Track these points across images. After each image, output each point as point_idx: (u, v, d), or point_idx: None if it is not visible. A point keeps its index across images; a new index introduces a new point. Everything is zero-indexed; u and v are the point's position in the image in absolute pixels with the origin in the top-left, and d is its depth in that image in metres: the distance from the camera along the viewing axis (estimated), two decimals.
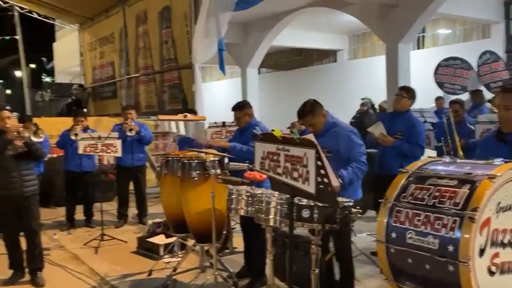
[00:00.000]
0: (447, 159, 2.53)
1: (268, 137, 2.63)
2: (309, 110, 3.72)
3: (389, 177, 4.63)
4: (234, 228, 5.74)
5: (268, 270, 3.48)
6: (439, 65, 8.63)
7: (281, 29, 11.62)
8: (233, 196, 3.52)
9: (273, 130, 2.53)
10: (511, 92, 2.87)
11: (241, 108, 4.67)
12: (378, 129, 4.84)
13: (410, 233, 2.25)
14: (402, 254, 2.28)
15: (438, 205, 2.19)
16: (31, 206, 4.65)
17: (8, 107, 4.74)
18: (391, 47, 8.94)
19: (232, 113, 4.69)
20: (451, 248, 2.09)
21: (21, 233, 4.75)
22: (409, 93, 5.00)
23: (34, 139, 4.55)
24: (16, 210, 4.57)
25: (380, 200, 2.45)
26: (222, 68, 7.92)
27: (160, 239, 5.49)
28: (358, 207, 3.03)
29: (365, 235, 5.94)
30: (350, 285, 3.64)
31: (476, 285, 2.07)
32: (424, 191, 2.29)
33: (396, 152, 4.77)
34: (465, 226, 2.06)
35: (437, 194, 2.23)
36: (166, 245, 5.28)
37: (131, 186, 7.19)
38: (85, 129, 6.73)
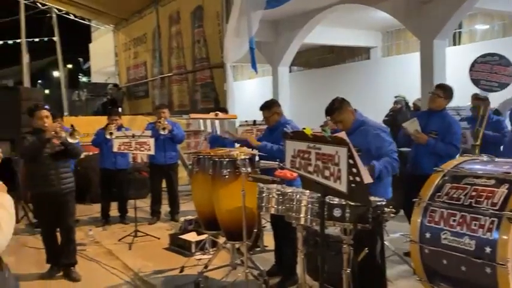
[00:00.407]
0: (484, 158, 2.46)
1: (299, 135, 2.61)
2: (337, 107, 3.73)
3: (422, 177, 4.54)
4: (265, 226, 5.74)
5: (300, 269, 3.46)
6: (475, 62, 8.34)
7: (313, 27, 11.51)
8: (263, 194, 3.52)
9: (304, 128, 2.51)
10: None
11: (269, 107, 4.66)
12: (413, 126, 4.74)
13: (445, 233, 2.20)
14: (437, 254, 2.23)
15: (475, 205, 2.13)
16: (68, 202, 4.79)
17: (46, 106, 4.89)
18: (425, 43, 8.71)
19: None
20: (488, 249, 2.03)
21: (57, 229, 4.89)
22: (445, 92, 4.87)
23: (70, 140, 4.67)
24: (54, 207, 4.70)
25: (414, 200, 2.40)
26: (254, 66, 7.93)
27: (192, 236, 5.54)
28: (391, 207, 2.97)
29: (398, 235, 5.84)
30: (382, 286, 3.57)
31: None
32: (460, 190, 2.23)
33: (430, 151, 4.66)
34: (503, 227, 2.00)
35: (473, 193, 2.17)
36: (197, 242, 5.33)
37: (164, 184, 7.30)
38: (119, 128, 6.87)
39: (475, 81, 8.26)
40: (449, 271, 2.22)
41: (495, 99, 8.67)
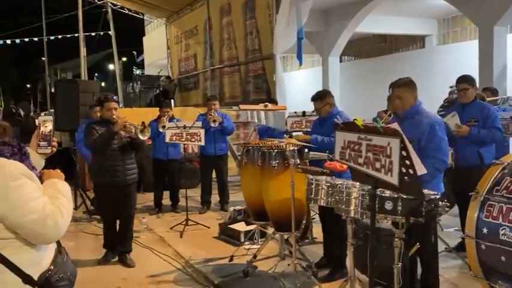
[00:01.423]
0: None
1: (349, 126, 2.56)
2: (405, 83, 3.68)
3: (468, 168, 4.41)
4: (314, 218, 5.71)
5: (349, 262, 3.42)
6: None
7: (364, 16, 11.24)
8: (312, 186, 3.49)
9: (355, 119, 2.45)
10: None
11: (322, 97, 4.58)
12: (453, 120, 4.62)
13: (504, 229, 2.10)
14: (494, 251, 2.14)
15: None
16: (131, 193, 4.99)
17: (115, 98, 5.08)
18: (485, 30, 8.31)
19: (312, 103, 4.64)
20: None
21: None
22: (471, 82, 4.82)
23: (141, 137, 4.86)
24: (117, 197, 4.88)
25: (470, 194, 2.30)
26: (299, 57, 7.86)
27: (241, 226, 5.61)
28: (445, 201, 2.87)
29: (453, 230, 5.64)
30: (434, 282, 3.47)
31: None
32: None
33: (474, 140, 4.57)
34: None
35: None
36: (246, 232, 5.38)
37: (214, 175, 7.42)
38: (171, 119, 7.03)
39: None
40: (508, 268, 2.12)
41: None
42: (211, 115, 6.85)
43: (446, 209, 2.87)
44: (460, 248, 4.75)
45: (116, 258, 5.05)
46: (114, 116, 4.77)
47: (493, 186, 2.23)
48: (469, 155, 4.53)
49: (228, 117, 7.35)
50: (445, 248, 4.72)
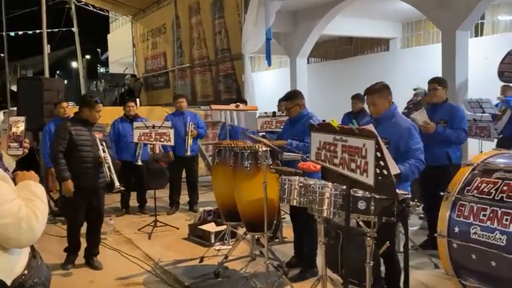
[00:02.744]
0: None
1: (325, 127, 2.58)
2: (378, 89, 3.69)
3: (436, 168, 4.55)
4: (284, 218, 5.74)
5: (321, 261, 3.45)
6: (507, 54, 8.18)
7: (332, 18, 11.39)
8: (285, 186, 3.51)
9: (331, 120, 2.48)
10: None
11: (292, 97, 4.59)
12: (421, 116, 4.77)
13: (475, 228, 2.16)
14: (466, 249, 2.20)
15: (506, 200, 2.09)
16: (101, 195, 4.89)
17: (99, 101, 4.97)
18: (448, 34, 8.56)
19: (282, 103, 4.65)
20: None
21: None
22: (441, 83, 5.00)
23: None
24: (88, 199, 4.76)
25: (442, 194, 2.36)
26: (268, 58, 7.88)
27: (211, 227, 5.57)
28: (416, 200, 2.93)
29: (417, 228, 5.80)
30: (405, 280, 3.54)
31: None
32: (491, 184, 2.19)
33: (440, 139, 4.74)
34: None
35: (505, 188, 2.13)
36: (217, 233, 5.35)
37: (183, 175, 7.35)
38: (136, 118, 6.92)
39: (500, 74, 8.12)
40: (478, 266, 2.18)
41: None
42: (191, 132, 6.92)
43: (417, 208, 2.94)
44: (426, 246, 4.89)
45: (83, 261, 4.91)
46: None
47: (464, 186, 2.30)
48: (438, 155, 4.67)
49: (199, 117, 7.34)
50: (411, 246, 4.83)
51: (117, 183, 4.79)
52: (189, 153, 6.93)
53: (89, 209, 4.81)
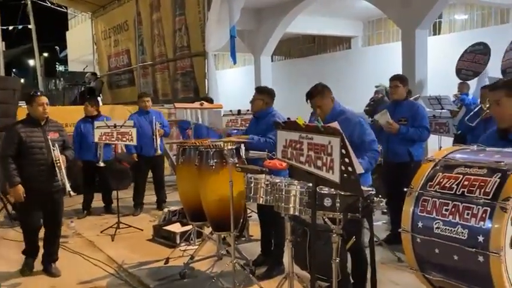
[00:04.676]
0: (475, 147, 2.46)
1: (291, 125, 2.58)
2: (319, 91, 3.73)
3: (399, 165, 4.66)
4: (250, 216, 5.73)
5: (288, 258, 3.46)
6: (464, 52, 8.46)
7: (295, 16, 11.49)
8: (252, 185, 3.50)
9: (297, 118, 2.48)
10: (499, 88, 2.81)
11: (259, 91, 4.63)
12: (384, 117, 4.85)
13: (438, 222, 2.19)
14: (429, 244, 2.23)
15: (467, 194, 2.13)
16: (58, 199, 4.61)
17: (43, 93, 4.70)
18: (407, 33, 8.79)
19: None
20: (481, 238, 2.03)
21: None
22: (403, 81, 5.10)
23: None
24: (43, 204, 4.50)
25: (405, 189, 2.39)
26: (233, 55, 7.85)
27: (176, 227, 5.50)
28: (380, 196, 2.98)
29: (381, 224, 5.91)
30: (372, 275, 3.59)
31: (507, 276, 2.01)
32: (452, 180, 2.22)
33: (402, 137, 4.83)
34: (496, 216, 2.00)
35: (466, 183, 2.16)
36: (182, 233, 5.28)
37: (148, 175, 7.25)
38: (98, 117, 6.76)
39: (458, 71, 8.39)
40: (441, 260, 2.22)
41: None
42: (158, 132, 6.84)
43: (381, 204, 2.99)
44: (389, 240, 4.99)
45: (41, 267, 4.70)
46: (47, 110, 4.43)
47: (426, 182, 2.32)
48: (400, 152, 4.77)
49: (163, 116, 7.25)
50: (375, 241, 4.92)
51: (68, 188, 4.43)
52: (159, 151, 6.83)
53: (45, 214, 4.56)
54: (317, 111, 3.76)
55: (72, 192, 4.46)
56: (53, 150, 4.40)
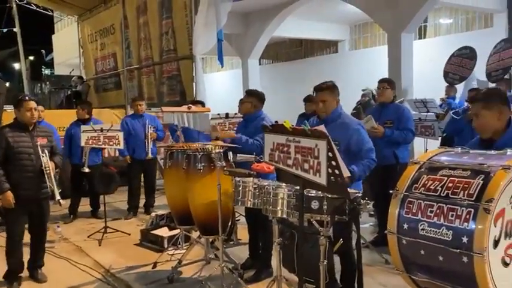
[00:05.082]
0: (459, 149, 2.50)
1: (278, 129, 2.60)
2: (329, 87, 3.70)
3: (385, 167, 4.72)
4: (239, 219, 5.73)
5: (275, 261, 3.47)
6: (452, 55, 8.55)
7: (282, 20, 11.55)
8: (240, 188, 3.50)
9: (285, 122, 2.49)
10: (477, 101, 2.84)
11: (250, 95, 4.64)
12: (369, 124, 4.90)
13: (423, 224, 2.22)
14: (414, 245, 2.26)
15: (451, 196, 2.16)
16: (44, 206, 4.48)
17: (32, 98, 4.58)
18: (393, 36, 8.88)
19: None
20: (465, 239, 2.07)
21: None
22: (391, 84, 5.18)
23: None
24: (29, 212, 4.38)
25: (391, 191, 2.42)
26: (220, 59, 7.85)
27: (164, 231, 5.48)
28: (366, 199, 3.01)
29: (368, 226, 5.96)
30: (359, 277, 3.62)
31: (491, 277, 2.05)
32: (437, 182, 2.26)
33: (388, 140, 4.89)
34: (480, 217, 2.04)
35: (450, 185, 2.20)
36: (170, 237, 5.27)
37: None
38: (88, 121, 6.72)
39: (445, 74, 8.49)
40: (426, 261, 2.25)
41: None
42: (151, 134, 6.86)
43: (368, 206, 3.02)
44: (376, 243, 5.03)
45: (27, 273, 4.61)
46: (35, 116, 4.31)
47: (411, 184, 2.36)
48: (386, 155, 4.81)
49: (158, 122, 7.23)
50: (362, 243, 4.96)
51: (58, 197, 4.33)
52: (150, 155, 6.82)
53: (31, 220, 4.44)
54: (319, 105, 3.70)
55: (61, 201, 4.36)
56: (42, 156, 4.28)
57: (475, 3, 10.50)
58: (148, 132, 6.84)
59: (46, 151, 4.35)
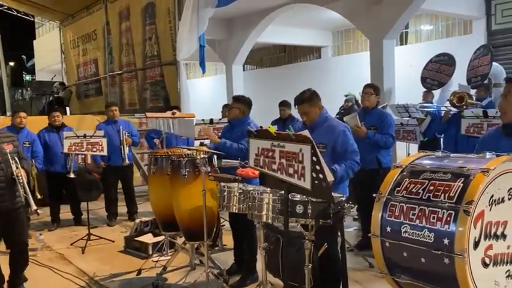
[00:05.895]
0: (440, 153, 2.55)
1: (262, 134, 2.62)
2: (308, 98, 3.69)
3: (368, 172, 4.78)
4: (224, 225, 5.72)
5: (261, 266, 3.48)
6: (429, 61, 8.69)
7: (266, 26, 11.61)
8: (225, 193, 3.50)
9: (269, 127, 2.52)
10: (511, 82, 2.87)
11: (237, 100, 4.65)
12: (353, 120, 4.98)
13: (405, 226, 2.26)
14: (397, 247, 2.30)
15: (433, 199, 2.21)
16: (23, 214, 4.18)
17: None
18: (375, 43, 9.00)
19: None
20: (446, 241, 2.11)
21: None
22: (376, 89, 5.28)
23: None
24: (4, 224, 4.02)
25: (374, 195, 2.46)
26: (202, 65, 7.84)
27: (148, 238, 5.44)
28: (350, 202, 3.05)
29: (352, 230, 6.01)
30: (344, 281, 3.64)
31: (471, 277, 2.09)
32: (418, 185, 2.30)
33: (370, 143, 4.97)
34: (460, 219, 2.08)
35: (431, 188, 2.25)
36: (155, 244, 5.24)
37: (118, 185, 7.16)
38: (62, 128, 6.65)
39: (423, 79, 8.61)
40: (409, 263, 2.29)
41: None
42: (126, 141, 6.79)
43: (352, 210, 3.06)
44: (360, 246, 5.08)
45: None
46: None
47: (394, 187, 2.40)
48: (368, 159, 4.86)
49: (132, 125, 7.19)
50: (347, 247, 5.00)
51: (34, 207, 3.92)
52: (127, 161, 6.76)
53: (8, 234, 4.09)
54: (303, 117, 3.72)
55: (39, 211, 4.00)
56: (13, 164, 3.97)
57: (454, 10, 10.70)
58: (123, 138, 6.76)
59: (16, 158, 4.02)
